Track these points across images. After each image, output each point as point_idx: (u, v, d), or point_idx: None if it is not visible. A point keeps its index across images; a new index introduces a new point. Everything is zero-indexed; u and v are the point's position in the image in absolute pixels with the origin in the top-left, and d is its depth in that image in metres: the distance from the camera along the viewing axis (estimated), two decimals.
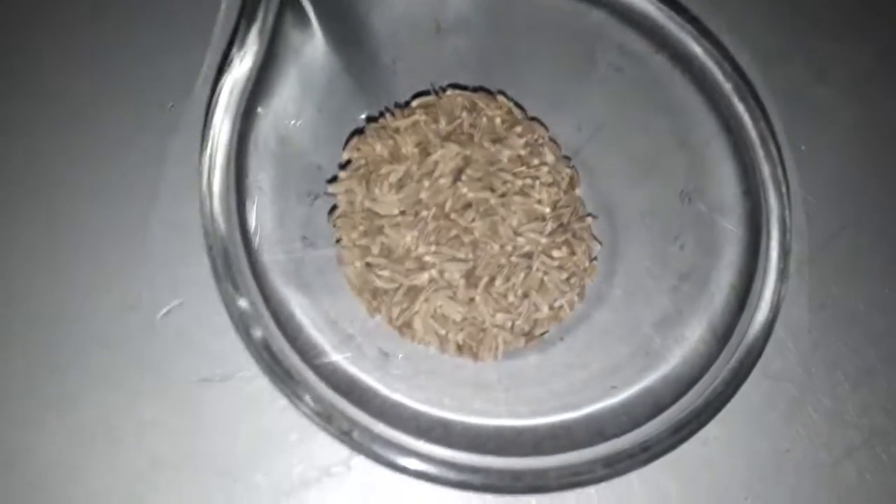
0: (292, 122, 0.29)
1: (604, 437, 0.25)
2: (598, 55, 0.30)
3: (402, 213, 0.29)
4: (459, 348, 0.28)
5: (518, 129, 0.30)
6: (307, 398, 0.25)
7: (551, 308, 0.29)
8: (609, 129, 0.31)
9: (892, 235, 0.33)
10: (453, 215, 0.28)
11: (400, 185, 0.29)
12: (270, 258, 0.28)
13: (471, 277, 0.28)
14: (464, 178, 0.29)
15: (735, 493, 0.30)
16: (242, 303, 0.25)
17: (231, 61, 0.26)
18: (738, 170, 0.28)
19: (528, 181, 0.29)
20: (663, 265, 0.29)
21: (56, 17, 0.33)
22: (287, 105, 0.29)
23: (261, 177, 0.28)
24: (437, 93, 0.31)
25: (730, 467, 0.30)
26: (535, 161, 0.30)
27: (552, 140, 0.31)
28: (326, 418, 0.25)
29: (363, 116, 0.31)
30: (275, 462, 0.29)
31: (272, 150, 0.28)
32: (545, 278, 0.29)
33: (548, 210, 0.29)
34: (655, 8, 0.28)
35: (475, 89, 0.31)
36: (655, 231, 0.30)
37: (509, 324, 0.28)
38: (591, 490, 0.29)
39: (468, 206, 0.29)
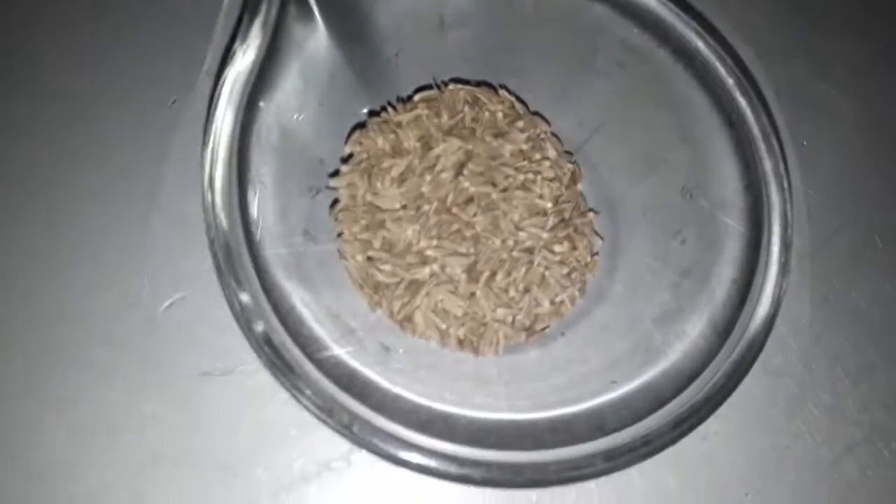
0: (294, 115, 0.29)
1: (604, 431, 0.26)
2: (600, 50, 0.30)
3: (404, 207, 0.29)
4: (460, 343, 0.28)
5: (520, 123, 0.30)
6: (308, 392, 0.25)
7: (552, 303, 0.29)
8: (611, 124, 0.31)
9: (894, 232, 0.33)
10: (455, 210, 0.28)
11: (402, 180, 0.29)
12: (272, 252, 0.28)
13: (472, 272, 0.28)
14: (465, 172, 0.29)
15: (735, 489, 0.30)
16: (244, 297, 0.25)
17: (234, 55, 0.26)
18: (740, 165, 0.28)
19: (530, 176, 0.29)
20: (664, 261, 0.29)
21: (56, 16, 0.33)
22: (289, 99, 0.29)
23: (263, 171, 0.28)
24: (439, 87, 0.31)
25: (730, 463, 0.30)
26: (537, 156, 0.30)
27: (554, 135, 0.31)
28: (327, 412, 0.25)
29: (365, 110, 0.31)
30: (275, 457, 0.29)
31: (274, 144, 0.28)
32: (546, 273, 0.29)
33: (549, 205, 0.29)
34: (658, 3, 0.28)
35: (477, 83, 0.31)
36: (657, 226, 0.30)
37: (510, 318, 0.28)
38: (591, 484, 0.29)
39: (470, 200, 0.29)
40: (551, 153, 0.30)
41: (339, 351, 0.27)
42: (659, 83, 0.29)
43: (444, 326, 0.28)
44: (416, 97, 0.31)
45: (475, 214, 0.28)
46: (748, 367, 0.26)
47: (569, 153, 0.31)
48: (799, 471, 0.30)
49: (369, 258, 0.29)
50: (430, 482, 0.25)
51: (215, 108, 0.26)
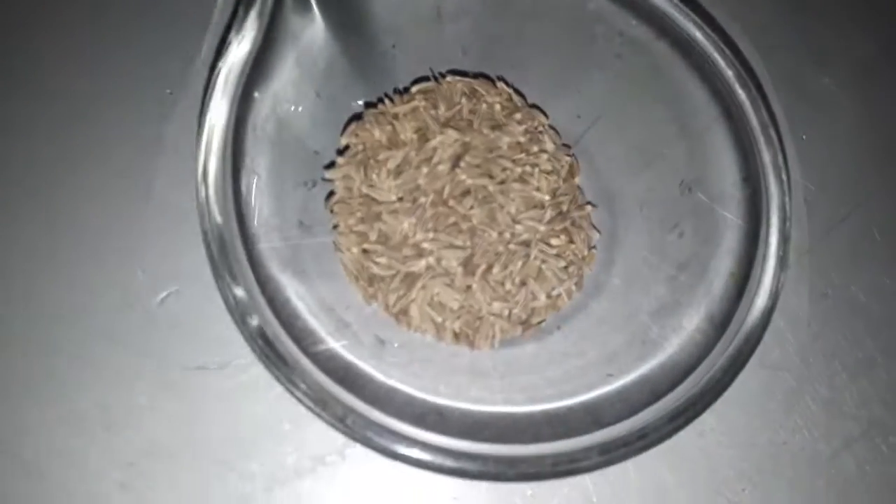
0: (290, 107, 0.29)
1: (600, 424, 0.25)
2: (598, 42, 0.30)
3: (400, 199, 0.28)
4: (456, 336, 0.28)
5: (518, 116, 0.30)
6: (303, 385, 0.25)
7: (549, 296, 0.29)
8: (609, 117, 0.31)
9: (893, 226, 0.33)
10: (451, 202, 0.28)
11: (398, 172, 0.29)
12: (267, 244, 0.27)
13: (468, 265, 0.28)
14: (462, 164, 0.28)
15: (732, 484, 0.29)
16: (238, 290, 0.25)
17: (229, 45, 0.26)
18: (739, 157, 0.28)
19: (528, 168, 0.29)
20: (662, 255, 0.29)
21: (56, 15, 0.32)
22: (285, 90, 0.29)
23: (258, 162, 0.28)
24: (436, 79, 0.31)
25: (727, 458, 0.30)
26: (535, 148, 0.30)
27: (552, 127, 0.31)
28: (322, 405, 0.25)
29: (362, 102, 0.31)
30: (269, 451, 0.29)
31: (269, 136, 0.28)
32: (543, 266, 0.29)
33: (547, 198, 0.29)
34: None
35: (475, 75, 0.31)
36: (654, 220, 0.30)
37: (506, 312, 0.28)
38: (586, 478, 0.29)
39: (466, 192, 0.28)
40: (549, 146, 0.30)
41: (334, 344, 0.27)
42: (657, 75, 0.29)
43: (439, 320, 0.28)
44: (413, 89, 0.30)
45: (472, 207, 0.28)
46: (745, 360, 0.26)
47: (566, 146, 0.31)
48: (796, 466, 0.30)
49: (365, 251, 0.28)
50: (426, 476, 0.25)
51: (210, 99, 0.26)
